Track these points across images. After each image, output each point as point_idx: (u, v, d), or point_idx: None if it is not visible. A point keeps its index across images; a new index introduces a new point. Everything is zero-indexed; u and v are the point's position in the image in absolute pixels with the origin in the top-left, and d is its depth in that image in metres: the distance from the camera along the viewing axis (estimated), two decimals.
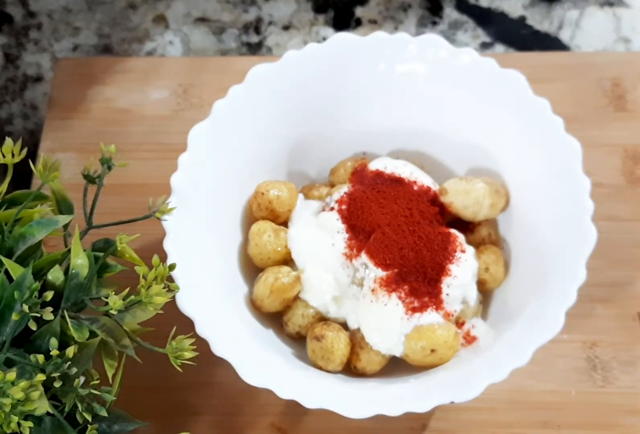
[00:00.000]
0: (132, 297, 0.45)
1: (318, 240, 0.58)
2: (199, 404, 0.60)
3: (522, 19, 0.79)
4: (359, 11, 0.80)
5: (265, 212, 0.60)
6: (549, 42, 0.78)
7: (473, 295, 0.57)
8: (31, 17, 0.81)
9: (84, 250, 0.49)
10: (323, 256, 0.57)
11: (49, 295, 0.42)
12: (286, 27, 0.80)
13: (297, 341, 0.59)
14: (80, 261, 0.48)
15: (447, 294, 0.56)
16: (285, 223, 0.60)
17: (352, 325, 0.57)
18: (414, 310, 0.55)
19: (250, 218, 0.61)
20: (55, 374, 0.42)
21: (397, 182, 0.60)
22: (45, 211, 0.52)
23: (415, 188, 0.59)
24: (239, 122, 0.59)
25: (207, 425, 0.59)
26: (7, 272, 0.46)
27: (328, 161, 0.64)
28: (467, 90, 0.60)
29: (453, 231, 0.58)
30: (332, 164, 0.64)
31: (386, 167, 0.60)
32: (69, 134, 0.71)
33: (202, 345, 0.49)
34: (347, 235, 0.57)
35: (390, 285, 0.55)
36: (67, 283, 0.48)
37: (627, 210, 0.66)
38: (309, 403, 0.49)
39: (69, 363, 0.43)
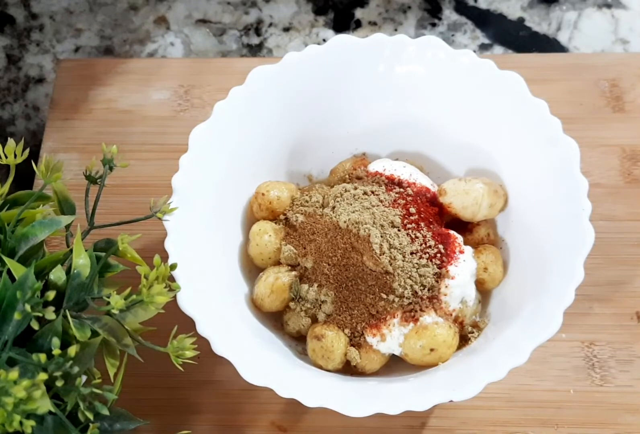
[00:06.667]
0: (134, 297, 0.45)
1: None
2: (199, 402, 0.60)
3: (521, 20, 0.79)
4: (358, 13, 0.81)
5: (265, 213, 0.60)
6: (548, 44, 0.78)
7: (472, 294, 0.57)
8: (33, 18, 0.81)
9: (86, 250, 0.49)
10: None
11: (51, 294, 0.42)
12: (286, 29, 0.80)
13: (298, 340, 0.59)
14: (82, 261, 0.49)
15: (446, 294, 0.56)
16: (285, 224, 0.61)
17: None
18: (413, 309, 0.55)
19: (250, 219, 0.61)
20: (57, 374, 0.42)
21: (396, 183, 0.60)
22: (48, 211, 0.52)
23: (415, 189, 0.59)
24: (240, 123, 0.60)
25: (208, 423, 0.60)
26: (9, 272, 0.47)
27: (328, 161, 0.64)
28: (466, 91, 0.60)
29: (452, 232, 0.58)
30: (332, 164, 0.64)
31: (385, 169, 0.61)
32: (70, 135, 0.71)
33: (203, 344, 0.50)
34: None
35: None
36: (69, 282, 0.48)
37: (625, 209, 0.66)
38: (309, 401, 0.50)
39: (71, 362, 0.43)
